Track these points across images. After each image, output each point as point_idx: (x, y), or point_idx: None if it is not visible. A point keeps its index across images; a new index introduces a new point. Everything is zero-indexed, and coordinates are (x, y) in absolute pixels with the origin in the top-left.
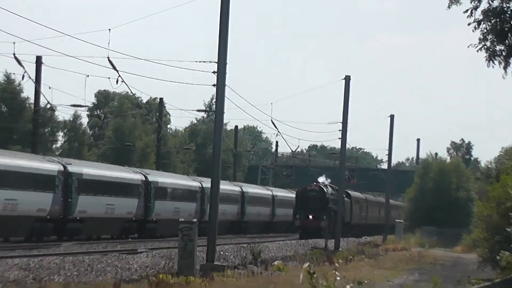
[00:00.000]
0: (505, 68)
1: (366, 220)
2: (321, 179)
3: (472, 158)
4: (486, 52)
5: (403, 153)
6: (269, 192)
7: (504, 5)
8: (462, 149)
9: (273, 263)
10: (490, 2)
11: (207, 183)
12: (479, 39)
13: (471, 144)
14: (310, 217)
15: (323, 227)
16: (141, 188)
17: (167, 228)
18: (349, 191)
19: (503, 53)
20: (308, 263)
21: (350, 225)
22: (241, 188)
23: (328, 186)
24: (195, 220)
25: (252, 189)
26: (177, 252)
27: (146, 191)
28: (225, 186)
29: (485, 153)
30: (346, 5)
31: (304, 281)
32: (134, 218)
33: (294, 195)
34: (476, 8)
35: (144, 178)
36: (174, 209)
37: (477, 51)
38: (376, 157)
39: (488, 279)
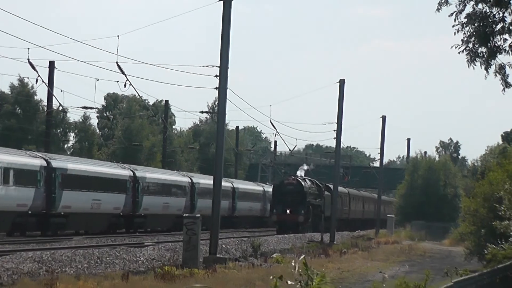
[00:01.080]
0: (486, 69)
1: (349, 214)
2: (299, 172)
3: (459, 157)
4: (468, 54)
5: (394, 152)
6: (260, 188)
7: (487, 10)
8: (450, 148)
9: (272, 255)
10: (475, 6)
11: (197, 178)
12: (462, 40)
13: (458, 143)
14: (288, 211)
15: (300, 222)
16: (129, 184)
17: (156, 223)
18: (329, 185)
19: (485, 55)
20: (303, 255)
21: (325, 217)
22: (232, 184)
23: (306, 180)
24: (198, 215)
25: (243, 185)
26: (181, 246)
27: (134, 186)
28: (173, 177)
29: (472, 152)
30: (342, 12)
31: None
32: (121, 214)
33: None
34: (461, 11)
35: (131, 174)
36: (163, 204)
37: (459, 52)
38: (369, 155)
39: (475, 270)
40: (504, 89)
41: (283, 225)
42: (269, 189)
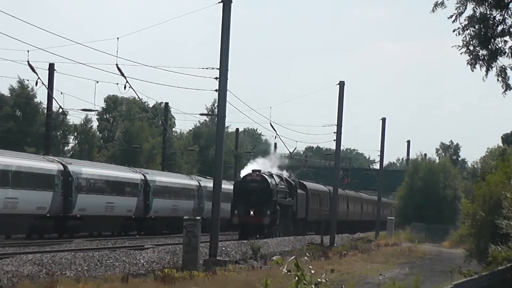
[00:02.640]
0: (486, 71)
1: (347, 216)
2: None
3: (459, 159)
4: (469, 56)
5: (394, 154)
6: (193, 182)
7: (488, 12)
8: (450, 150)
9: (272, 258)
10: (475, 8)
11: (204, 182)
12: (462, 41)
13: (458, 146)
14: (251, 212)
15: (266, 224)
16: (140, 187)
17: (166, 225)
18: (305, 182)
19: (485, 58)
20: (294, 257)
21: (307, 221)
22: (144, 175)
23: (274, 176)
24: (198, 217)
25: (164, 177)
26: (181, 248)
27: (145, 189)
28: (181, 180)
29: (472, 154)
30: (341, 14)
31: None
32: (133, 216)
33: None
34: (461, 14)
35: (143, 177)
36: (172, 207)
37: (461, 54)
38: (369, 157)
39: (475, 272)
40: (505, 91)
41: (246, 229)
42: (207, 184)
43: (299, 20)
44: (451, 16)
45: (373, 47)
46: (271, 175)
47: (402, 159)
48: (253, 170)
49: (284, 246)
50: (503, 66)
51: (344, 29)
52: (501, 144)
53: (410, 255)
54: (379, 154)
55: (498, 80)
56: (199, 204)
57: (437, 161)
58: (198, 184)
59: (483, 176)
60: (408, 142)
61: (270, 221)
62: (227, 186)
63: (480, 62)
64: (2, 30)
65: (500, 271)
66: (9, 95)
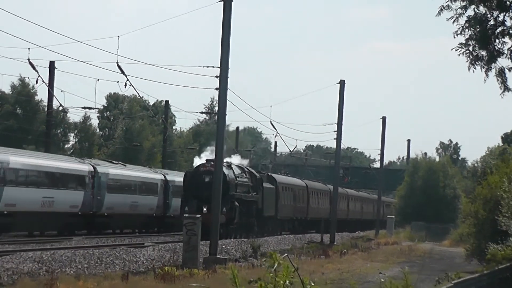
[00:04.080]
0: (486, 72)
1: (307, 214)
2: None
3: (459, 158)
4: (469, 57)
5: (394, 153)
6: (157, 176)
7: (488, 13)
8: (450, 149)
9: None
10: (476, 9)
11: (172, 175)
12: (462, 43)
13: (458, 145)
14: (204, 209)
15: (221, 223)
16: (89, 180)
17: (123, 223)
18: (274, 175)
19: (485, 58)
20: (286, 254)
21: (276, 220)
22: (94, 167)
23: (233, 166)
24: (198, 216)
25: (118, 170)
26: (181, 246)
27: (165, 189)
28: (143, 174)
29: (472, 153)
30: (341, 13)
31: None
32: (79, 213)
33: None
34: (461, 15)
35: (92, 169)
36: (131, 203)
37: (459, 55)
38: (369, 156)
39: (474, 271)
40: (503, 92)
41: None
42: (174, 178)
43: (300, 19)
44: (452, 18)
45: (373, 46)
46: (229, 166)
47: (403, 158)
48: (207, 160)
49: (284, 244)
50: (502, 68)
51: (344, 28)
52: (501, 143)
53: (410, 254)
54: (379, 153)
55: (497, 80)
56: (165, 200)
57: (437, 160)
58: (163, 178)
59: (484, 175)
60: (409, 141)
61: (226, 219)
62: (150, 175)
63: (480, 63)
64: (3, 28)
65: (500, 270)
66: (10, 93)
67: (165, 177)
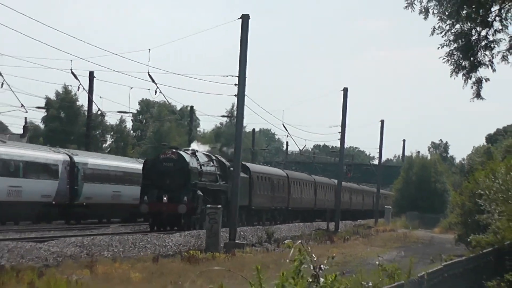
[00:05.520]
0: (465, 80)
1: (288, 203)
2: (195, 145)
3: (448, 156)
4: (452, 65)
5: (391, 151)
6: (55, 156)
7: (472, 29)
8: (440, 148)
9: (284, 241)
10: (462, 26)
11: (83, 156)
12: (448, 53)
13: (448, 144)
14: (165, 198)
15: (182, 213)
16: (63, 169)
17: (103, 213)
18: (248, 164)
19: (467, 68)
20: (300, 241)
21: (251, 209)
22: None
23: (198, 154)
24: (219, 206)
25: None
26: (205, 233)
27: (72, 172)
28: (127, 164)
29: (460, 151)
30: (344, 24)
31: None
32: (53, 202)
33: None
34: (449, 30)
35: (67, 158)
36: (113, 193)
37: (443, 63)
38: (369, 154)
39: (462, 255)
40: (473, 98)
41: (158, 218)
42: (87, 160)
43: (309, 32)
44: (441, 32)
45: (374, 54)
46: (193, 153)
47: (399, 156)
48: (170, 147)
49: (295, 231)
50: (480, 77)
51: (348, 38)
52: (485, 143)
53: (405, 240)
54: (378, 151)
55: (472, 88)
56: (71, 186)
57: (429, 158)
58: (68, 159)
59: (470, 171)
60: (404, 141)
61: (188, 209)
62: (134, 165)
63: (462, 71)
64: (49, 42)
65: (484, 254)
66: (55, 99)
67: (71, 158)
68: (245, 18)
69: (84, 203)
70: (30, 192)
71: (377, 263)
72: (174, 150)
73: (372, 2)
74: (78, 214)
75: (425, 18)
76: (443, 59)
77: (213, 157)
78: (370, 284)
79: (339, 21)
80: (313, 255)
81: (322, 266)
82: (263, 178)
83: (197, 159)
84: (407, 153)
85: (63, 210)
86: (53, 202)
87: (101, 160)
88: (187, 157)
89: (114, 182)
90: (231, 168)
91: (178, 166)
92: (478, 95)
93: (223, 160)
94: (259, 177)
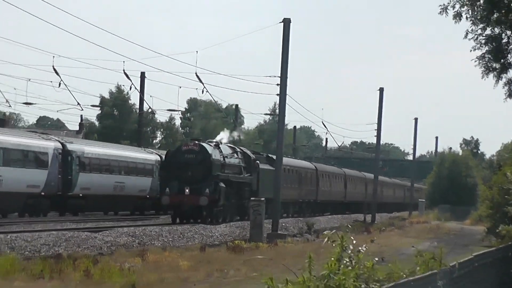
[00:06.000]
0: (497, 81)
1: (317, 196)
2: (221, 136)
3: (479, 152)
4: (483, 68)
5: (424, 147)
6: (151, 157)
7: (502, 32)
8: (471, 144)
9: (323, 232)
10: (493, 30)
11: (78, 144)
12: (479, 56)
13: (478, 141)
14: (186, 191)
15: (204, 206)
16: (54, 158)
17: (105, 205)
18: (274, 157)
19: (497, 70)
20: (334, 231)
21: (277, 202)
22: (161, 158)
23: (222, 146)
24: (262, 199)
25: (95, 148)
26: (249, 224)
27: (65, 161)
28: (131, 153)
29: (490, 148)
30: (382, 30)
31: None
32: (43, 193)
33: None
34: (480, 34)
35: (59, 146)
36: (115, 184)
37: (475, 66)
38: (404, 150)
39: (491, 246)
40: (506, 98)
41: (180, 211)
42: (83, 148)
43: (348, 35)
44: (473, 37)
45: (408, 58)
46: (217, 145)
47: (432, 151)
48: (191, 139)
49: (333, 223)
50: (511, 79)
51: (384, 43)
52: None
53: (438, 231)
54: (412, 147)
55: (503, 88)
56: (64, 176)
57: (460, 154)
58: (159, 159)
59: (499, 166)
60: (436, 138)
61: (209, 201)
62: (141, 155)
63: (492, 73)
64: (103, 44)
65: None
66: (109, 98)
67: (64, 145)
68: (286, 22)
69: (81, 195)
70: (13, 182)
71: (412, 251)
72: (196, 141)
73: (405, 9)
74: (74, 206)
75: (457, 22)
76: (475, 61)
77: (238, 149)
78: (407, 271)
79: (376, 27)
80: (352, 238)
81: (360, 248)
82: (290, 171)
83: (220, 151)
84: (439, 149)
85: (55, 201)
86: (42, 193)
87: (101, 149)
88: (209, 149)
89: (116, 172)
90: (257, 161)
91: (200, 158)
92: (510, 95)
93: (248, 152)
94: (285, 169)
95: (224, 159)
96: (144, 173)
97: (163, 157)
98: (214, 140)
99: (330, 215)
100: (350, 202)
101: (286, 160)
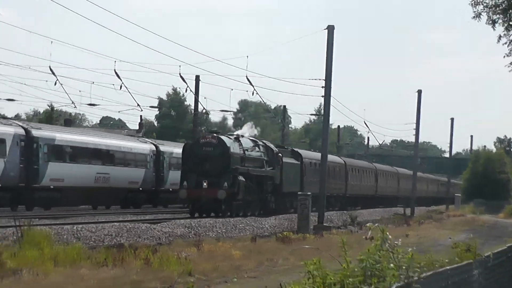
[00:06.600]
0: None
1: (346, 190)
2: (244, 129)
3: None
4: None
5: (460, 145)
6: (144, 146)
7: None
8: (505, 143)
9: (365, 224)
10: None
11: (167, 147)
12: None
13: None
14: (204, 184)
15: (222, 199)
16: (14, 145)
17: (83, 198)
18: (300, 150)
19: None
20: (377, 224)
21: (282, 193)
22: (156, 147)
23: (242, 139)
24: (309, 193)
25: (75, 136)
26: (296, 217)
27: (30, 150)
28: (118, 142)
29: None
30: (418, 35)
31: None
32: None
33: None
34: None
35: (22, 132)
36: (97, 175)
37: (509, 71)
38: (441, 148)
39: None
40: None
41: (198, 204)
42: (172, 149)
43: (386, 40)
44: (505, 43)
45: (444, 61)
46: (237, 138)
47: (467, 149)
48: (210, 131)
49: (375, 215)
50: None
51: (421, 47)
52: None
53: (473, 224)
54: (448, 145)
55: None
56: (158, 174)
57: (494, 151)
58: (154, 149)
59: None
60: (471, 136)
61: (227, 194)
62: (131, 143)
63: None
64: (161, 50)
65: None
66: (166, 99)
67: (28, 131)
68: (330, 29)
69: (52, 186)
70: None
71: (449, 242)
72: (214, 134)
73: (440, 15)
74: (43, 199)
75: (491, 26)
76: (508, 67)
77: (260, 143)
78: (447, 261)
79: (413, 32)
80: (387, 233)
81: (396, 242)
82: (316, 165)
83: (240, 144)
84: (474, 147)
85: (17, 194)
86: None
87: (78, 136)
88: (228, 142)
89: (99, 162)
90: (279, 154)
91: (219, 151)
92: None
93: (271, 145)
94: (311, 163)
95: (244, 152)
96: (135, 163)
97: (160, 147)
98: (235, 133)
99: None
100: (382, 196)
101: (312, 154)
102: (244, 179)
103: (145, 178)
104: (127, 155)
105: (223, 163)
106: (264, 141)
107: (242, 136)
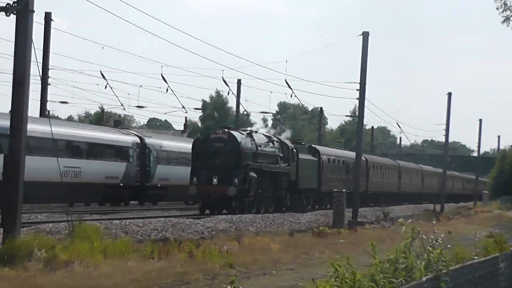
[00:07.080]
0: None
1: (367, 187)
2: (256, 127)
3: None
4: None
5: (488, 144)
6: (124, 138)
7: None
8: None
9: (397, 220)
10: None
11: (155, 139)
12: None
13: None
14: (215, 180)
15: (232, 196)
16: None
17: (51, 194)
18: (317, 147)
19: None
20: (411, 220)
21: (320, 192)
22: (140, 139)
23: (255, 135)
24: (344, 190)
25: (37, 125)
26: (331, 212)
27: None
28: (95, 133)
29: None
30: (449, 39)
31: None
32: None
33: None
34: None
35: (138, 140)
36: (71, 169)
37: None
38: (469, 147)
39: None
40: None
41: (208, 200)
42: (161, 142)
43: (418, 44)
44: None
45: (475, 66)
46: (249, 134)
47: (494, 149)
48: (221, 127)
49: (407, 211)
50: None
51: (453, 51)
52: None
53: (500, 219)
54: (477, 145)
55: None
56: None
57: None
58: (138, 141)
59: None
60: (499, 136)
61: (238, 191)
62: (110, 135)
63: None
64: (205, 55)
65: None
66: (210, 102)
67: (141, 140)
68: (365, 35)
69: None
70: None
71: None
72: (225, 129)
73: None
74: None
75: None
76: None
77: (274, 139)
78: (478, 250)
79: (442, 36)
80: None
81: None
82: (335, 161)
83: (253, 140)
84: (501, 147)
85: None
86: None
87: (41, 126)
88: (239, 137)
89: (67, 155)
90: (294, 150)
91: (229, 146)
92: None
93: (287, 142)
94: (330, 160)
95: (256, 148)
96: (114, 156)
97: (145, 139)
98: (249, 129)
99: (410, 205)
100: (405, 193)
101: (330, 151)
102: (256, 175)
103: (126, 172)
104: (104, 147)
105: (234, 159)
106: (279, 137)
107: (256, 131)
